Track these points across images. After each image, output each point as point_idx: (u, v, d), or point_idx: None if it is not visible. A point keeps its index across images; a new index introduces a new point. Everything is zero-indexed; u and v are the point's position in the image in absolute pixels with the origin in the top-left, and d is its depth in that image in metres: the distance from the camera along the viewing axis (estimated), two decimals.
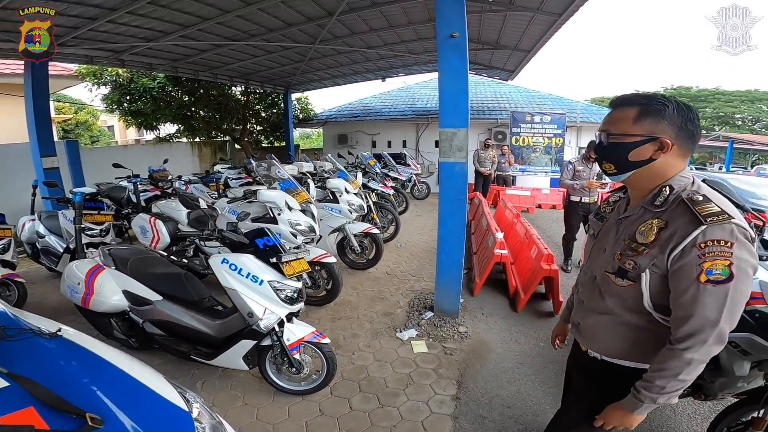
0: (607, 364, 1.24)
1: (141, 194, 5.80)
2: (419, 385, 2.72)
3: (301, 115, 13.92)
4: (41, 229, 4.48)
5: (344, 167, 6.41)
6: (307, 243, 3.86)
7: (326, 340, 2.51)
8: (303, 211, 3.93)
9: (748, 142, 19.23)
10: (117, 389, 1.23)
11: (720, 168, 18.24)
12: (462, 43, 3.11)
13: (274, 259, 2.44)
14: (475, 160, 9.24)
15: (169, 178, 6.23)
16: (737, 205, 1.55)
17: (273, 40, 7.21)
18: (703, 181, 1.20)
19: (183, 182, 6.86)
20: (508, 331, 3.52)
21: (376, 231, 4.80)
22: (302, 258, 2.61)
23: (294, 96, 12.86)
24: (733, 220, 0.99)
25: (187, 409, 1.29)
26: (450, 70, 3.16)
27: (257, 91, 12.67)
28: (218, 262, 2.41)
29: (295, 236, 3.71)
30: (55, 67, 8.30)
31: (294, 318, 2.57)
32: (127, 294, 2.68)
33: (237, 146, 12.86)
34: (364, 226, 4.77)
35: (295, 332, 2.43)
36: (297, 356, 2.45)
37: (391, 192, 7.37)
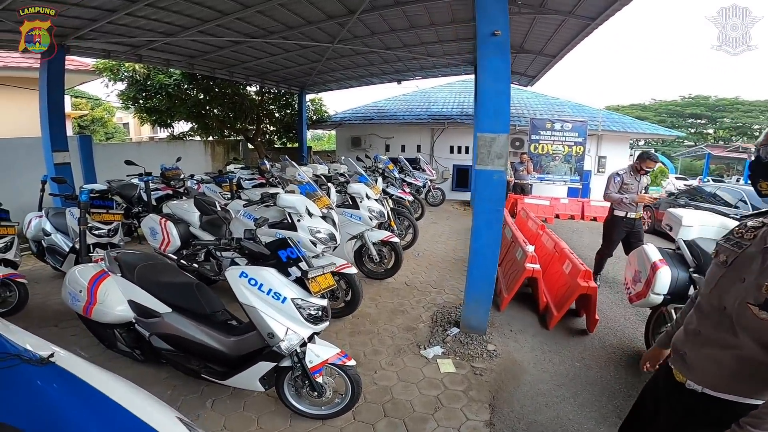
0: (710, 397, 1.18)
1: (152, 193, 5.66)
2: (449, 409, 2.51)
3: (314, 117, 13.82)
4: (48, 227, 4.31)
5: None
6: (325, 252, 3.63)
7: (352, 362, 2.28)
8: (323, 217, 3.69)
9: None
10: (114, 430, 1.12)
11: (738, 180, 17.70)
12: (505, 41, 2.91)
13: (298, 273, 2.20)
14: None
15: (182, 177, 6.07)
16: None
17: (292, 38, 7.07)
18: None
19: (195, 181, 6.74)
20: (540, 350, 3.31)
21: (396, 239, 4.57)
22: (328, 273, 2.37)
23: (308, 97, 12.73)
24: None
25: None
26: (490, 70, 2.97)
27: (272, 90, 12.59)
28: (236, 276, 2.17)
29: (315, 245, 3.46)
30: (72, 62, 8.23)
31: (315, 336, 2.33)
32: (133, 304, 2.47)
33: (250, 146, 12.80)
34: (384, 234, 4.52)
35: (319, 353, 2.19)
36: (320, 379, 2.21)
37: (410, 198, 7.13)
